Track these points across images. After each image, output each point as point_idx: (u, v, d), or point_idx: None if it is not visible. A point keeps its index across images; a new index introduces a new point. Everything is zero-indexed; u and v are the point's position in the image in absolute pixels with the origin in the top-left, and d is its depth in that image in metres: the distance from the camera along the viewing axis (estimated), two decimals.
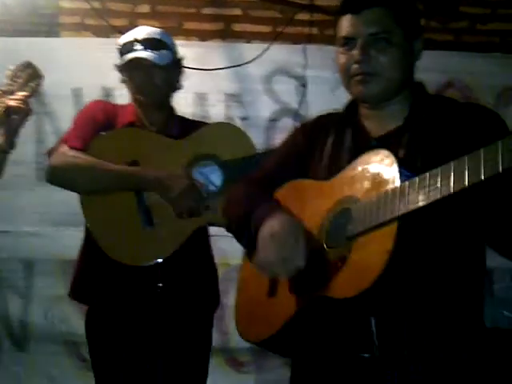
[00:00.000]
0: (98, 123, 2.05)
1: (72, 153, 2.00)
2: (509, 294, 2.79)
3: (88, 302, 2.10)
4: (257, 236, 1.30)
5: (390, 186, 1.19)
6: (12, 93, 1.93)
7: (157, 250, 1.99)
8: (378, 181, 1.23)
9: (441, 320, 1.25)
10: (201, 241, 2.10)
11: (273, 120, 2.98)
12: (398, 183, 1.18)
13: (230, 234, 1.51)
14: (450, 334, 1.26)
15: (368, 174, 1.25)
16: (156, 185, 1.99)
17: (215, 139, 2.08)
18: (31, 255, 2.89)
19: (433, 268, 1.24)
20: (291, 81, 2.98)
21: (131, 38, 2.04)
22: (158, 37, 2.05)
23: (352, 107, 1.43)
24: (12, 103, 1.90)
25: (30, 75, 2.00)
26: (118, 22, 2.96)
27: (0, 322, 2.89)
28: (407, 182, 1.16)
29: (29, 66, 2.02)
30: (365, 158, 1.28)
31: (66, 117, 2.68)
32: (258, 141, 2.20)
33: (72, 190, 2.05)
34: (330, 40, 1.45)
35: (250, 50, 2.95)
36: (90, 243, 2.04)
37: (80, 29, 3.08)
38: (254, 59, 2.89)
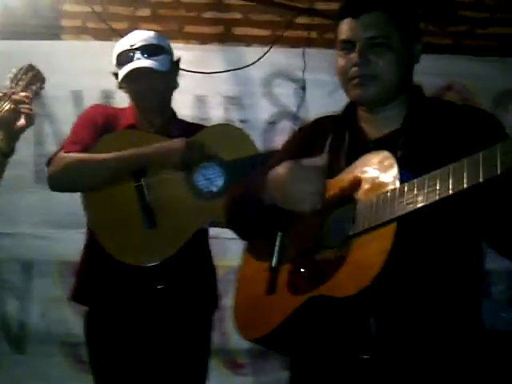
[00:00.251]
0: (98, 127, 2.05)
1: (67, 156, 1.99)
2: (506, 296, 2.80)
3: (88, 304, 2.10)
4: (266, 191, 1.32)
5: (390, 187, 1.20)
6: (14, 95, 1.91)
7: (159, 250, 2.00)
8: (378, 182, 1.23)
9: (439, 322, 1.26)
10: (201, 242, 2.11)
11: (272, 123, 2.99)
12: (397, 184, 1.19)
13: (229, 236, 1.51)
14: (448, 335, 1.26)
15: (368, 175, 1.26)
16: (156, 157, 1.97)
17: (217, 140, 2.08)
18: (30, 257, 2.90)
19: (431, 269, 1.24)
20: (290, 84, 2.99)
21: (127, 46, 2.00)
22: (155, 42, 2.03)
23: (350, 110, 1.44)
24: (23, 111, 1.88)
25: (33, 78, 2.00)
26: (118, 26, 2.96)
27: None
28: (406, 184, 1.17)
29: (31, 68, 2.02)
30: (365, 159, 1.29)
31: (65, 119, 2.70)
32: (257, 143, 2.20)
33: (74, 190, 2.04)
34: (329, 44, 1.46)
35: (250, 53, 2.97)
36: (91, 245, 2.04)
37: (81, 32, 3.10)
38: (253, 62, 2.91)
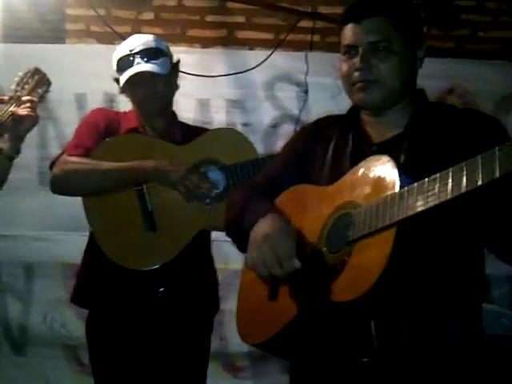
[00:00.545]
0: (101, 130, 2.06)
1: (69, 159, 2.00)
2: (507, 301, 2.79)
3: (89, 307, 2.11)
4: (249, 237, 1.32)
5: (390, 192, 1.20)
6: (20, 99, 1.92)
7: (159, 254, 2.00)
8: (378, 186, 1.24)
9: (439, 325, 1.26)
10: (202, 245, 2.11)
11: (274, 126, 3.00)
12: (397, 189, 1.19)
13: (230, 239, 1.52)
14: (448, 339, 1.26)
15: (369, 180, 1.26)
16: (156, 174, 1.97)
17: (218, 144, 2.08)
18: (31, 259, 2.90)
19: (432, 273, 1.24)
20: (293, 87, 3.00)
21: (127, 51, 2.00)
22: (153, 45, 2.03)
23: (354, 113, 1.44)
24: (22, 112, 1.89)
25: (39, 81, 2.00)
26: (122, 29, 2.97)
27: None
28: (406, 188, 1.17)
29: (37, 72, 2.02)
30: (366, 163, 1.29)
31: (69, 122, 2.71)
32: (259, 147, 2.21)
33: (75, 195, 2.05)
34: (332, 47, 1.48)
35: (253, 57, 2.97)
36: (92, 248, 2.05)
37: (85, 35, 3.11)
38: (256, 66, 2.91)
